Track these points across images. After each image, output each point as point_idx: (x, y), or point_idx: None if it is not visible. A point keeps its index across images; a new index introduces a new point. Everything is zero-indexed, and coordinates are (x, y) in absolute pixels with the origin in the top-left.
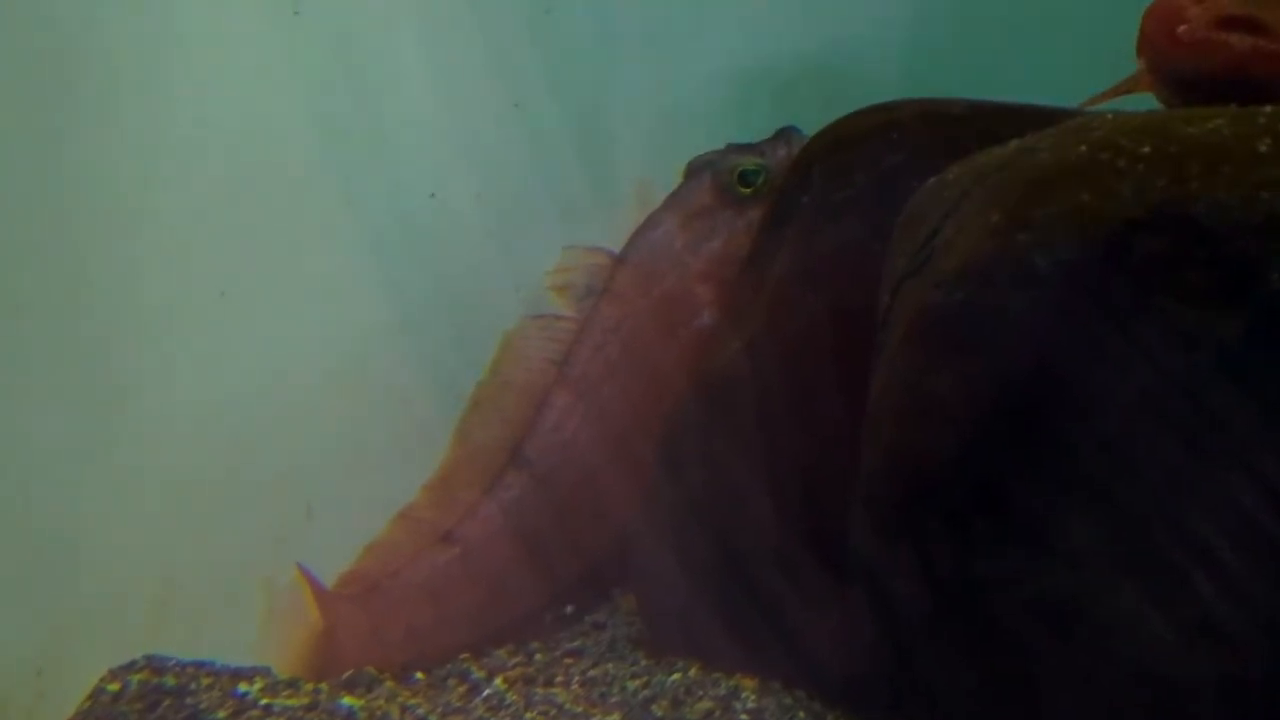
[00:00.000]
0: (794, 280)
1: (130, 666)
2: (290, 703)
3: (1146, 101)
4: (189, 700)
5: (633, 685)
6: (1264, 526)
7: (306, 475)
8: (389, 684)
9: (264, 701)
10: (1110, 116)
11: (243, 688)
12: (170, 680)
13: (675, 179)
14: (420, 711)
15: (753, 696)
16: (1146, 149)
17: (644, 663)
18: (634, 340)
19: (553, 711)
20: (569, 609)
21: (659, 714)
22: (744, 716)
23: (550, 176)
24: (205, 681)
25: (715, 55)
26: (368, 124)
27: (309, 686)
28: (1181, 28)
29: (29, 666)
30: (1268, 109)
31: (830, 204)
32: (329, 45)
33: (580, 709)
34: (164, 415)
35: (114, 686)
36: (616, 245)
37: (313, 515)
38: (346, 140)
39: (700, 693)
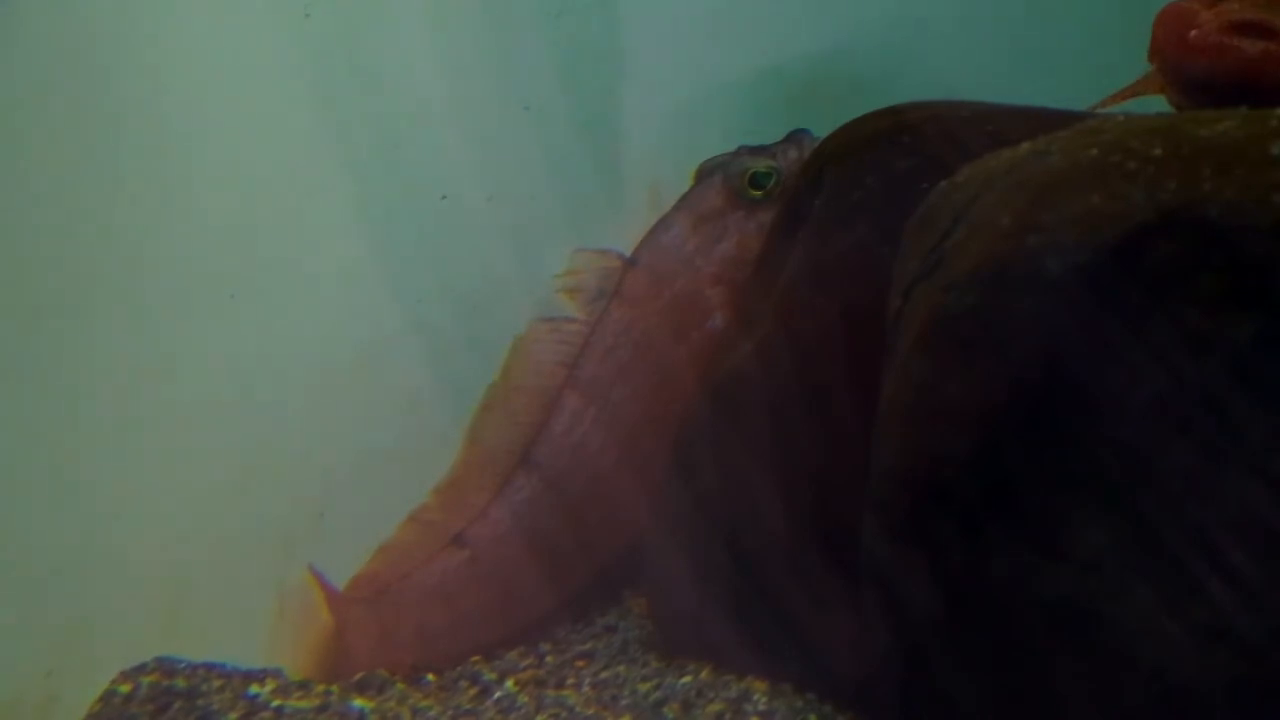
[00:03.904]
0: (805, 283)
1: (141, 668)
2: (301, 705)
3: (1157, 104)
4: (200, 702)
5: (644, 688)
6: (1277, 529)
7: (317, 477)
8: (400, 686)
9: (275, 703)
10: (1121, 119)
11: (254, 689)
12: (181, 682)
13: (686, 181)
14: (431, 714)
15: (764, 699)
16: (1158, 151)
17: (655, 665)
18: (645, 343)
19: (564, 714)
20: None
21: (670, 716)
22: (755, 719)
23: (561, 179)
24: (216, 683)
25: (727, 58)
26: (379, 126)
27: (320, 688)
28: (1193, 32)
29: (40, 668)
30: (1279, 112)
31: (841, 207)
32: (340, 48)
33: (591, 711)
34: (175, 416)
35: (125, 688)
36: (627, 248)
37: (323, 517)
38: (358, 143)
39: (711, 695)
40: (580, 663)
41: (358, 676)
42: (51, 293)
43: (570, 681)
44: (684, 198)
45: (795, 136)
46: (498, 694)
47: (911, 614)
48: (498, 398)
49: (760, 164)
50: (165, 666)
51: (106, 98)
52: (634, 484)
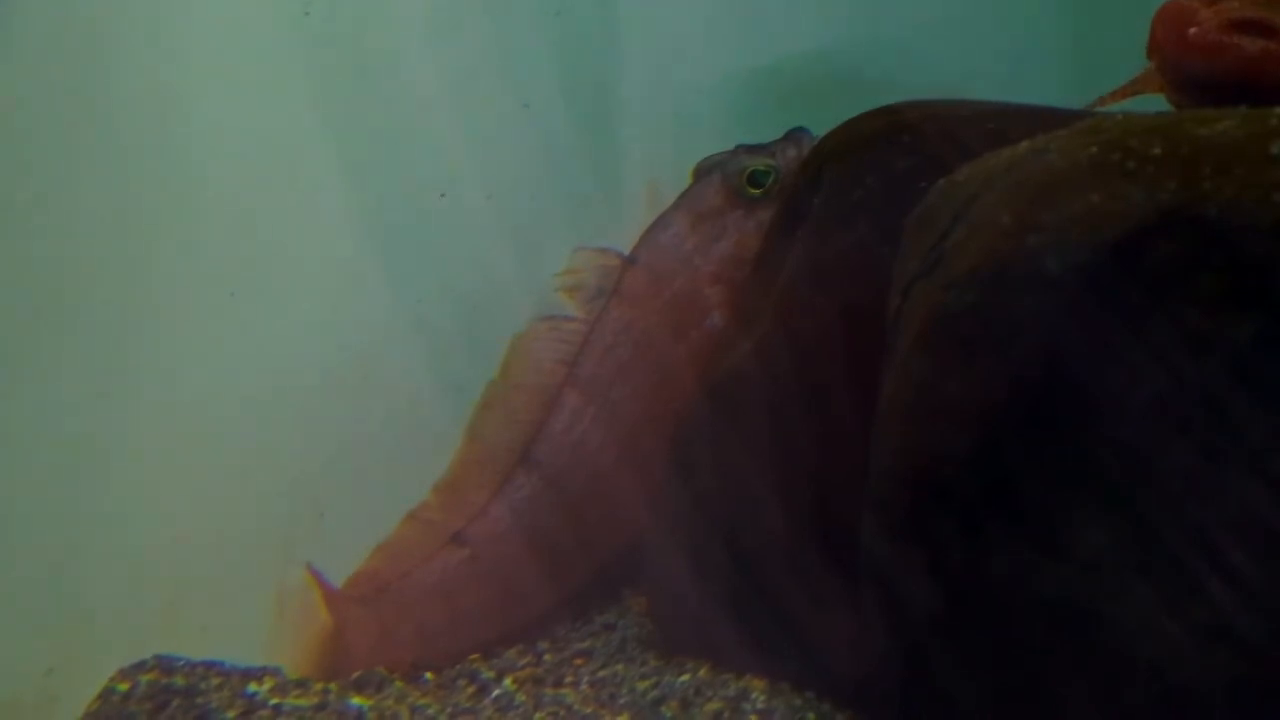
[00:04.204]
0: (804, 282)
1: (140, 666)
2: (299, 703)
3: (1156, 102)
4: (199, 700)
5: (642, 686)
6: (1277, 529)
7: (317, 476)
8: (398, 684)
9: (273, 701)
10: (1120, 117)
11: (252, 688)
12: (180, 680)
13: (685, 180)
14: (429, 712)
15: (762, 697)
16: (1157, 150)
17: (653, 663)
18: (644, 341)
19: (562, 712)
20: None
21: (668, 715)
22: (753, 717)
23: (560, 177)
24: (215, 681)
25: (725, 56)
26: (378, 124)
27: (318, 687)
28: (1192, 30)
29: (39, 666)
30: (1279, 111)
31: (840, 206)
32: (339, 46)
33: (589, 710)
34: (174, 415)
35: (124, 686)
36: (626, 246)
37: (323, 517)
38: (357, 141)
39: (709, 693)
40: (578, 661)
41: (356, 675)
42: (51, 293)
43: (568, 680)
44: (682, 196)
45: (794, 135)
46: (496, 692)
47: (911, 613)
48: (497, 396)
49: (759, 162)
50: (164, 664)
51: (106, 97)
52: (633, 482)
